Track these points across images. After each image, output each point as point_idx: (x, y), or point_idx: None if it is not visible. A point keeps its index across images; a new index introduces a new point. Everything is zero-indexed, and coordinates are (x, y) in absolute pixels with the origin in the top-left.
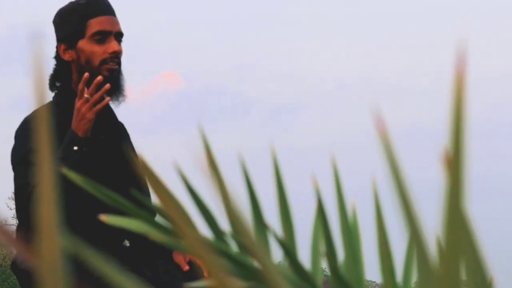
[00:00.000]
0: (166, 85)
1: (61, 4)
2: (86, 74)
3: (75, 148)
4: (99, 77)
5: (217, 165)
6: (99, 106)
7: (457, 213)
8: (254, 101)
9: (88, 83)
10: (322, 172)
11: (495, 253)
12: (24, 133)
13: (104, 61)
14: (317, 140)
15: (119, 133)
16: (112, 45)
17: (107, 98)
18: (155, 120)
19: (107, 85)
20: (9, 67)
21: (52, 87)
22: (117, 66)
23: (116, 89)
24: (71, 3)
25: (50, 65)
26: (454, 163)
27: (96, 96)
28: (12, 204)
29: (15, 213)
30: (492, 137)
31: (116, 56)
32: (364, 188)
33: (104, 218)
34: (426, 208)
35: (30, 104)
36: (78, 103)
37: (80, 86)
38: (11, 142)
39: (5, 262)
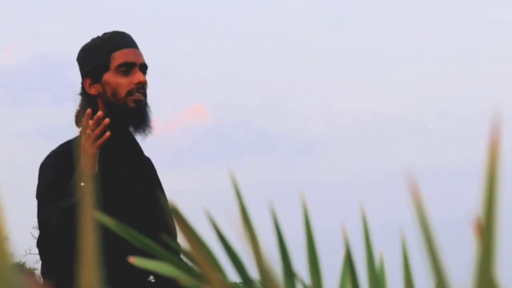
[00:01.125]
0: (193, 118)
1: (86, 36)
2: (89, 110)
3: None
4: (100, 113)
5: (248, 214)
6: (100, 141)
7: (488, 280)
8: (280, 136)
9: (116, 119)
10: (347, 207)
11: None
12: (48, 168)
13: (130, 92)
14: (343, 175)
15: (145, 167)
16: (138, 76)
17: (107, 133)
18: (179, 154)
19: (106, 120)
20: (33, 95)
21: (78, 122)
22: (143, 97)
23: (143, 121)
24: (93, 38)
25: (76, 101)
26: (486, 233)
27: (97, 131)
28: (37, 233)
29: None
30: None
31: (142, 87)
32: (388, 226)
33: (133, 260)
34: (453, 251)
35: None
36: (82, 139)
37: (84, 121)
38: (35, 170)
39: None
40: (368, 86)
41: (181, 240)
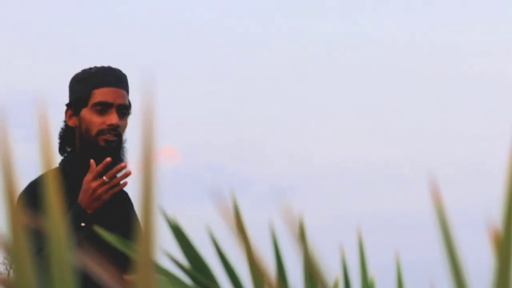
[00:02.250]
0: (164, 160)
1: (64, 74)
2: (109, 159)
3: (83, 224)
4: (123, 164)
5: (246, 230)
6: (117, 189)
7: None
8: (252, 181)
9: (88, 154)
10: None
11: None
12: (27, 199)
13: (100, 132)
14: (316, 221)
15: (124, 202)
16: (111, 118)
17: (125, 182)
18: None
19: (129, 171)
20: (13, 132)
21: (61, 150)
22: (114, 138)
23: (116, 161)
24: (83, 70)
25: (58, 128)
26: (504, 245)
27: (116, 180)
28: (3, 269)
29: None
30: None
31: (113, 129)
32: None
33: (129, 278)
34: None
35: (36, 168)
36: (93, 183)
37: (99, 167)
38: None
39: None
40: (343, 133)
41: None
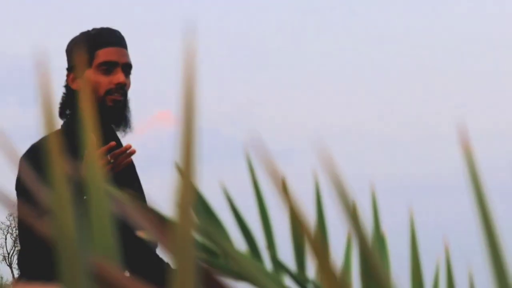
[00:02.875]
0: (161, 124)
1: (59, 36)
2: (113, 143)
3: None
4: (128, 145)
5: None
6: (120, 167)
7: None
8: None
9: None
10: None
11: None
12: (28, 162)
13: (108, 92)
14: (307, 184)
15: (130, 169)
16: (118, 77)
17: (129, 159)
18: (147, 159)
19: (133, 150)
20: (2, 97)
21: (61, 115)
22: (121, 97)
23: (121, 120)
24: (82, 32)
25: (59, 93)
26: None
27: (120, 160)
28: (0, 234)
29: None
30: None
31: (121, 88)
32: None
33: (141, 234)
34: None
35: (38, 131)
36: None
37: (104, 149)
38: (2, 168)
39: None
40: (338, 99)
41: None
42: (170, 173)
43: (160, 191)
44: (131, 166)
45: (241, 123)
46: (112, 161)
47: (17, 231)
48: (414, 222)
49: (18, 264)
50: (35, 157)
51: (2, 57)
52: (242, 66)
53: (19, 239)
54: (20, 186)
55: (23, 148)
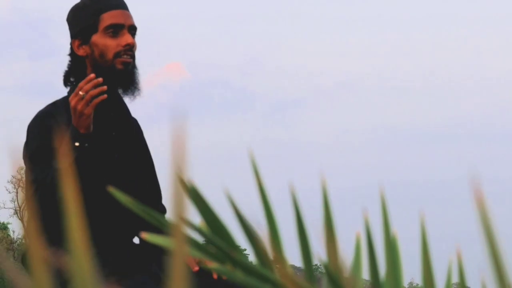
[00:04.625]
0: (171, 75)
1: None
2: (92, 75)
3: (76, 144)
4: (92, 75)
5: (265, 192)
6: (96, 100)
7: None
8: (258, 96)
9: (104, 80)
10: (327, 169)
11: None
12: (36, 129)
13: (117, 54)
14: (320, 135)
15: (133, 129)
16: (126, 38)
17: (103, 90)
18: (158, 110)
19: (99, 79)
20: (12, 51)
21: (66, 82)
22: (131, 59)
23: (130, 83)
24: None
25: (65, 62)
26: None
27: (92, 92)
28: (11, 188)
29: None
30: None
31: (129, 49)
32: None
33: (145, 236)
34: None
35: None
36: (72, 101)
37: (81, 84)
38: (12, 123)
39: (1, 245)
40: (346, 47)
41: (199, 219)
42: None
43: (165, 141)
44: (137, 130)
45: (250, 75)
46: (82, 94)
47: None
48: (425, 225)
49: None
50: (42, 124)
51: (13, 10)
52: (254, 18)
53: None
54: (28, 152)
55: (35, 104)
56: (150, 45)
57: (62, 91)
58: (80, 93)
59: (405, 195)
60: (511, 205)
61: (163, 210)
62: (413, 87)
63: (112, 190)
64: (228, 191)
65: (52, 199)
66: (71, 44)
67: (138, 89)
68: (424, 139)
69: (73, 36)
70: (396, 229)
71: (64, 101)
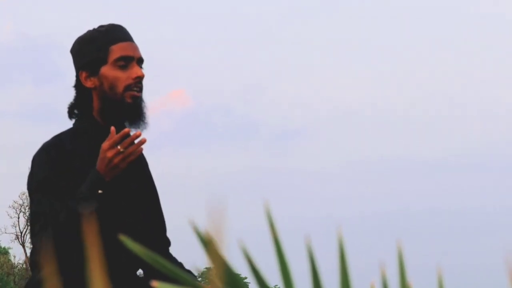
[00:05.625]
0: (174, 103)
1: (68, 17)
2: (127, 130)
3: (100, 191)
4: (138, 132)
5: (280, 243)
6: (132, 157)
7: None
8: (261, 124)
9: (112, 113)
10: (327, 197)
11: None
12: (42, 160)
13: (128, 87)
14: (321, 164)
15: (139, 163)
16: (135, 70)
17: (140, 148)
18: (161, 137)
19: (144, 139)
20: (16, 75)
21: (71, 114)
22: (140, 93)
23: (138, 117)
24: (89, 31)
25: (71, 95)
26: None
27: (131, 149)
28: (13, 213)
29: (30, 238)
30: None
31: (139, 82)
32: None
33: (156, 284)
34: None
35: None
36: (109, 152)
37: (117, 137)
38: (16, 149)
39: (1, 269)
40: (349, 78)
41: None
42: (184, 150)
43: (169, 169)
44: (143, 163)
45: (253, 102)
46: (122, 150)
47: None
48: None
49: (30, 263)
50: (48, 156)
51: (17, 35)
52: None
53: (30, 236)
54: (33, 183)
55: (39, 129)
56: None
57: (62, 115)
58: (119, 147)
59: (410, 223)
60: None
61: (167, 243)
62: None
63: (124, 238)
64: (243, 245)
65: (65, 238)
66: (77, 76)
67: (145, 122)
68: (432, 169)
69: (80, 68)
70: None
71: (69, 133)
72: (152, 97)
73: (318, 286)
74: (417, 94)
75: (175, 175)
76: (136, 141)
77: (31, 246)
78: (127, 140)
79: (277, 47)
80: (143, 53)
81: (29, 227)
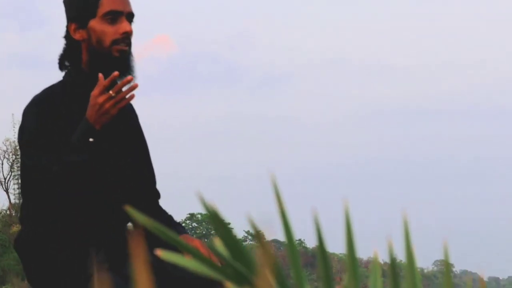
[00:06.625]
0: (159, 48)
1: None
2: (116, 73)
3: (91, 140)
4: (130, 77)
5: (287, 216)
6: (124, 102)
7: None
8: (245, 69)
9: (99, 66)
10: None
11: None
12: (33, 113)
13: (115, 42)
14: (305, 110)
15: (129, 115)
16: (124, 26)
17: (132, 94)
18: (146, 83)
19: (135, 84)
20: (2, 23)
21: (61, 66)
22: (127, 47)
23: (126, 70)
24: None
25: (61, 45)
26: None
27: (123, 94)
28: None
29: (20, 191)
30: None
31: (127, 37)
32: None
33: (160, 253)
34: None
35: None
36: (100, 98)
37: (106, 82)
38: (3, 96)
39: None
40: (335, 24)
41: (219, 244)
42: (169, 96)
43: (155, 112)
44: (133, 116)
45: (242, 48)
46: (114, 95)
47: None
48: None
49: (21, 217)
50: (38, 109)
51: None
52: None
53: (21, 189)
54: (24, 136)
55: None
56: (138, 18)
57: (49, 61)
58: (110, 92)
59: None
60: None
61: (157, 195)
62: (399, 65)
63: (130, 210)
64: (251, 218)
65: (58, 189)
66: (67, 27)
67: (133, 76)
68: (424, 113)
69: (69, 19)
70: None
71: (59, 86)
72: (136, 42)
73: (323, 248)
74: (404, 43)
75: (159, 121)
76: (127, 87)
77: (21, 200)
78: (119, 85)
79: None
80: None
81: (12, 173)
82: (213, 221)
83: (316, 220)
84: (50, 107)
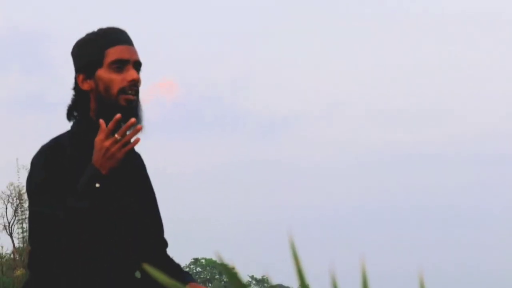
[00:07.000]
0: (163, 93)
1: (59, 7)
2: (118, 115)
3: (97, 185)
4: (133, 120)
5: (303, 274)
6: (130, 146)
7: None
8: (249, 114)
9: (107, 115)
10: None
11: None
12: (41, 162)
13: (122, 90)
14: (309, 155)
15: (137, 165)
16: (131, 74)
17: (137, 138)
18: (149, 128)
19: (139, 126)
20: (6, 66)
21: (69, 116)
22: (134, 97)
23: (135, 120)
24: (88, 34)
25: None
26: None
27: (128, 137)
28: (0, 203)
29: (29, 239)
30: None
31: (134, 85)
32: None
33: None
34: None
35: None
36: (106, 142)
37: (110, 125)
38: (8, 139)
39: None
40: (335, 70)
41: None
42: (173, 140)
43: (157, 157)
44: (140, 165)
45: (244, 91)
46: (119, 138)
47: (25, 220)
48: None
49: (29, 265)
50: (46, 159)
51: (8, 27)
52: (245, 36)
53: (29, 238)
54: (32, 185)
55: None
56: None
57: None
58: (116, 136)
59: None
60: None
61: (165, 244)
62: (402, 109)
63: (147, 267)
64: (268, 274)
65: (65, 237)
66: (75, 78)
67: (142, 124)
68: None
69: (77, 70)
70: None
71: (67, 136)
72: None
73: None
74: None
75: (162, 166)
76: (131, 130)
77: (30, 248)
78: (123, 128)
79: (266, 41)
80: (135, 42)
81: (16, 217)
82: (232, 279)
83: (333, 281)
84: (58, 157)
